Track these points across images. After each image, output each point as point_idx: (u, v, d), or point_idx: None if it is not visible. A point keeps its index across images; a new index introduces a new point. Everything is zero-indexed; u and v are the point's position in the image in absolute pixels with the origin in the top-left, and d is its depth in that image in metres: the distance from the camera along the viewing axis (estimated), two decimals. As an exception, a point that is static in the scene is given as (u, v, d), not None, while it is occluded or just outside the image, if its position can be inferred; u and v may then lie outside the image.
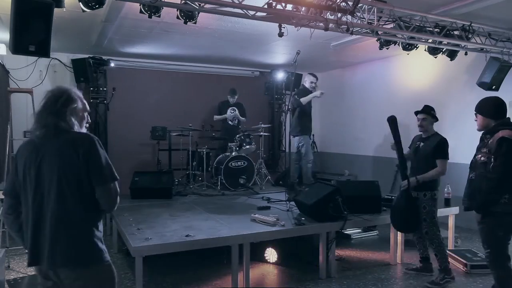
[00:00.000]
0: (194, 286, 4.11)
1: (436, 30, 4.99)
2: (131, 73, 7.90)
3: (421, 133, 4.46)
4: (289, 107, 5.82)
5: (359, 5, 4.11)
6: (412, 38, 5.03)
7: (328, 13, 3.99)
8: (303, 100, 6.69)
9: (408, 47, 5.28)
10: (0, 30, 5.58)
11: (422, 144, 4.36)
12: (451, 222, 5.17)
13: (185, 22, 3.98)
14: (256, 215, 4.38)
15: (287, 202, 5.15)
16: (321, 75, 9.93)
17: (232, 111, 7.56)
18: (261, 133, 7.23)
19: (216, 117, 7.70)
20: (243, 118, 7.66)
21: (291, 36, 4.47)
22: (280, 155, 9.39)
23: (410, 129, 7.51)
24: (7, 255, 4.47)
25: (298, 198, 4.80)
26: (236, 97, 7.66)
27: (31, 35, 3.22)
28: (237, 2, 3.74)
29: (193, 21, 4.01)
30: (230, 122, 7.61)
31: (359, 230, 5.93)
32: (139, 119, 7.84)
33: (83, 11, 3.50)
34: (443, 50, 5.48)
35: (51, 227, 1.92)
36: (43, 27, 3.23)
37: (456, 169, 6.62)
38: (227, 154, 6.81)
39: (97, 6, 3.45)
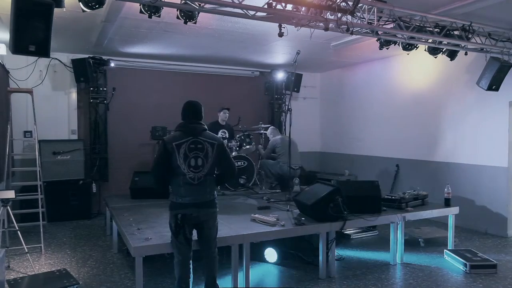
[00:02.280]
0: (194, 286, 4.10)
1: (436, 30, 4.99)
2: (131, 73, 7.90)
3: None
4: (290, 108, 5.73)
5: (359, 5, 4.11)
6: (412, 38, 5.03)
7: (328, 13, 3.99)
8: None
9: (408, 47, 5.28)
10: (0, 30, 5.58)
11: None
12: (451, 222, 5.17)
13: (185, 22, 3.98)
14: (256, 215, 4.38)
15: (287, 202, 5.15)
16: (321, 75, 9.99)
17: (223, 134, 7.00)
18: (262, 131, 7.22)
19: None
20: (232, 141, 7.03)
21: (291, 36, 4.48)
22: (280, 155, 9.37)
23: (410, 129, 7.53)
24: (7, 255, 4.47)
25: (298, 198, 4.80)
26: (227, 113, 7.09)
27: (31, 35, 3.21)
28: (237, 2, 3.74)
29: (193, 21, 4.01)
30: None
31: (359, 230, 5.94)
32: (139, 119, 7.85)
33: (83, 11, 3.51)
34: (443, 50, 5.48)
35: None
36: (43, 27, 3.23)
37: (456, 169, 6.65)
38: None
39: (97, 6, 3.46)
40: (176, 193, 3.30)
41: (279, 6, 3.84)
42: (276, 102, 9.38)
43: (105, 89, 7.61)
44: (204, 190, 3.28)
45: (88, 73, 7.15)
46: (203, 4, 3.82)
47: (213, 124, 7.10)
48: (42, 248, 5.27)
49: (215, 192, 3.45)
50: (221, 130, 7.08)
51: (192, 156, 3.22)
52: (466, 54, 5.57)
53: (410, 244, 5.44)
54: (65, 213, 6.86)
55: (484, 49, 5.57)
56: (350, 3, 3.85)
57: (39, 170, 5.68)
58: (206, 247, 3.42)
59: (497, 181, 6.04)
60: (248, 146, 6.87)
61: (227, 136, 7.08)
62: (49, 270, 4.43)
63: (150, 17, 3.78)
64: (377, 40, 5.12)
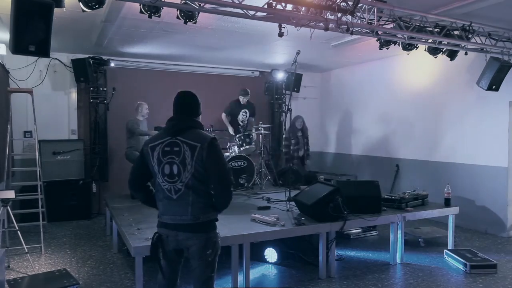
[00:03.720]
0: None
1: (436, 30, 4.99)
2: (131, 73, 7.90)
3: None
4: (290, 108, 5.76)
5: (359, 5, 4.11)
6: (412, 38, 5.03)
7: (328, 13, 3.99)
8: None
9: (408, 47, 5.28)
10: (0, 30, 5.58)
11: None
12: (451, 222, 5.17)
13: (185, 22, 3.98)
14: (256, 215, 4.38)
15: (287, 202, 5.15)
16: (321, 75, 9.98)
17: (244, 114, 7.51)
18: (262, 131, 7.22)
19: (224, 117, 7.54)
20: (252, 119, 7.68)
21: (291, 36, 4.47)
22: (281, 155, 9.38)
23: (410, 129, 7.53)
24: (7, 255, 4.47)
25: (298, 198, 4.80)
26: (248, 97, 7.53)
27: (31, 35, 3.22)
28: (237, 2, 3.74)
29: (193, 21, 4.01)
30: (240, 123, 7.53)
31: (359, 230, 5.94)
32: (139, 119, 7.84)
33: (83, 11, 3.50)
34: (443, 50, 5.48)
35: None
36: (43, 27, 3.23)
37: (456, 169, 6.65)
38: (227, 154, 6.81)
39: (97, 6, 3.46)
40: (158, 208, 2.61)
41: (279, 6, 3.84)
42: (276, 102, 9.38)
43: (105, 89, 7.61)
44: (185, 208, 2.44)
45: (88, 73, 7.15)
46: (203, 4, 3.82)
47: (235, 104, 7.52)
48: (42, 248, 5.27)
49: (209, 212, 2.51)
50: (242, 111, 7.51)
51: (166, 161, 2.47)
52: (466, 54, 5.57)
53: (410, 244, 5.44)
54: (65, 213, 6.85)
55: (484, 49, 5.57)
56: (350, 3, 3.85)
57: (39, 170, 5.68)
58: (194, 285, 2.61)
59: (497, 181, 6.04)
60: (248, 146, 6.88)
61: (248, 115, 7.54)
62: (49, 270, 4.43)
63: (150, 17, 3.78)
64: (377, 40, 5.12)
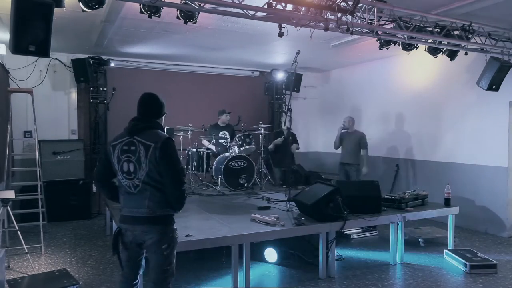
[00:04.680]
0: (194, 286, 4.11)
1: (436, 30, 4.99)
2: (131, 73, 7.91)
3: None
4: (290, 108, 5.75)
5: (359, 5, 4.11)
6: (412, 38, 5.03)
7: (328, 13, 3.99)
8: None
9: (408, 47, 5.28)
10: (0, 30, 5.58)
11: None
12: (451, 222, 5.16)
13: (185, 22, 3.98)
14: (256, 215, 4.38)
15: (287, 202, 5.15)
16: (321, 75, 9.98)
17: (223, 135, 7.15)
18: (262, 131, 7.21)
19: (205, 142, 7.15)
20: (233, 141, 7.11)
21: (291, 36, 4.48)
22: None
23: (410, 129, 7.53)
24: (7, 255, 4.47)
25: (298, 198, 4.80)
26: (226, 116, 7.21)
27: (31, 35, 3.22)
28: (237, 2, 3.75)
29: (193, 21, 4.02)
30: (222, 142, 7.15)
31: (359, 230, 5.94)
32: (139, 119, 7.83)
33: (83, 11, 3.51)
34: (443, 50, 5.48)
35: None
36: (43, 27, 3.23)
37: (456, 169, 6.65)
38: (227, 154, 6.80)
39: (97, 6, 3.46)
40: (120, 202, 2.78)
41: (279, 6, 3.85)
42: (276, 102, 9.38)
43: (105, 89, 7.61)
44: (142, 201, 2.58)
45: (88, 73, 7.15)
46: (203, 4, 3.82)
47: (213, 126, 7.24)
48: (42, 248, 5.27)
49: (167, 207, 2.62)
50: (221, 132, 7.17)
51: (124, 159, 2.62)
52: (466, 54, 5.57)
53: (410, 244, 5.44)
54: (65, 213, 6.85)
55: (484, 49, 5.57)
56: (350, 3, 3.85)
57: (39, 170, 5.68)
58: (151, 280, 2.66)
59: (497, 181, 6.04)
60: (248, 146, 6.87)
61: (228, 137, 7.14)
62: (49, 270, 4.43)
63: (150, 17, 3.79)
64: (377, 40, 5.12)
